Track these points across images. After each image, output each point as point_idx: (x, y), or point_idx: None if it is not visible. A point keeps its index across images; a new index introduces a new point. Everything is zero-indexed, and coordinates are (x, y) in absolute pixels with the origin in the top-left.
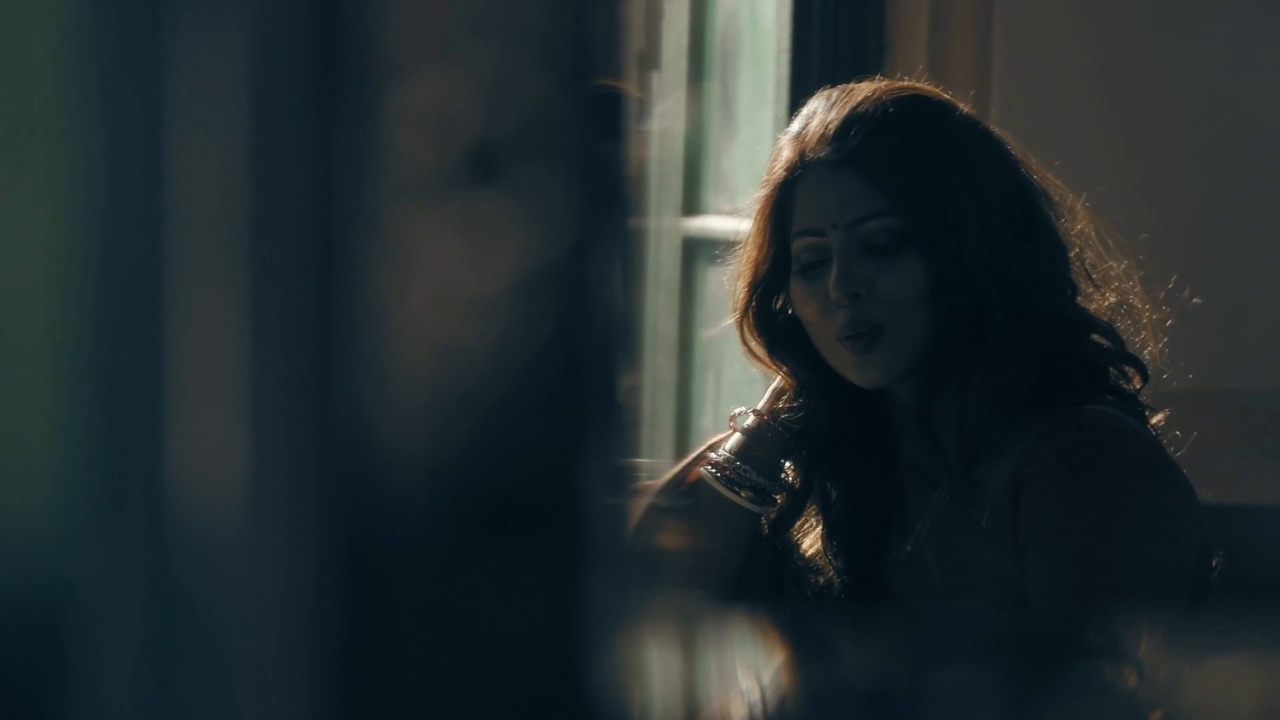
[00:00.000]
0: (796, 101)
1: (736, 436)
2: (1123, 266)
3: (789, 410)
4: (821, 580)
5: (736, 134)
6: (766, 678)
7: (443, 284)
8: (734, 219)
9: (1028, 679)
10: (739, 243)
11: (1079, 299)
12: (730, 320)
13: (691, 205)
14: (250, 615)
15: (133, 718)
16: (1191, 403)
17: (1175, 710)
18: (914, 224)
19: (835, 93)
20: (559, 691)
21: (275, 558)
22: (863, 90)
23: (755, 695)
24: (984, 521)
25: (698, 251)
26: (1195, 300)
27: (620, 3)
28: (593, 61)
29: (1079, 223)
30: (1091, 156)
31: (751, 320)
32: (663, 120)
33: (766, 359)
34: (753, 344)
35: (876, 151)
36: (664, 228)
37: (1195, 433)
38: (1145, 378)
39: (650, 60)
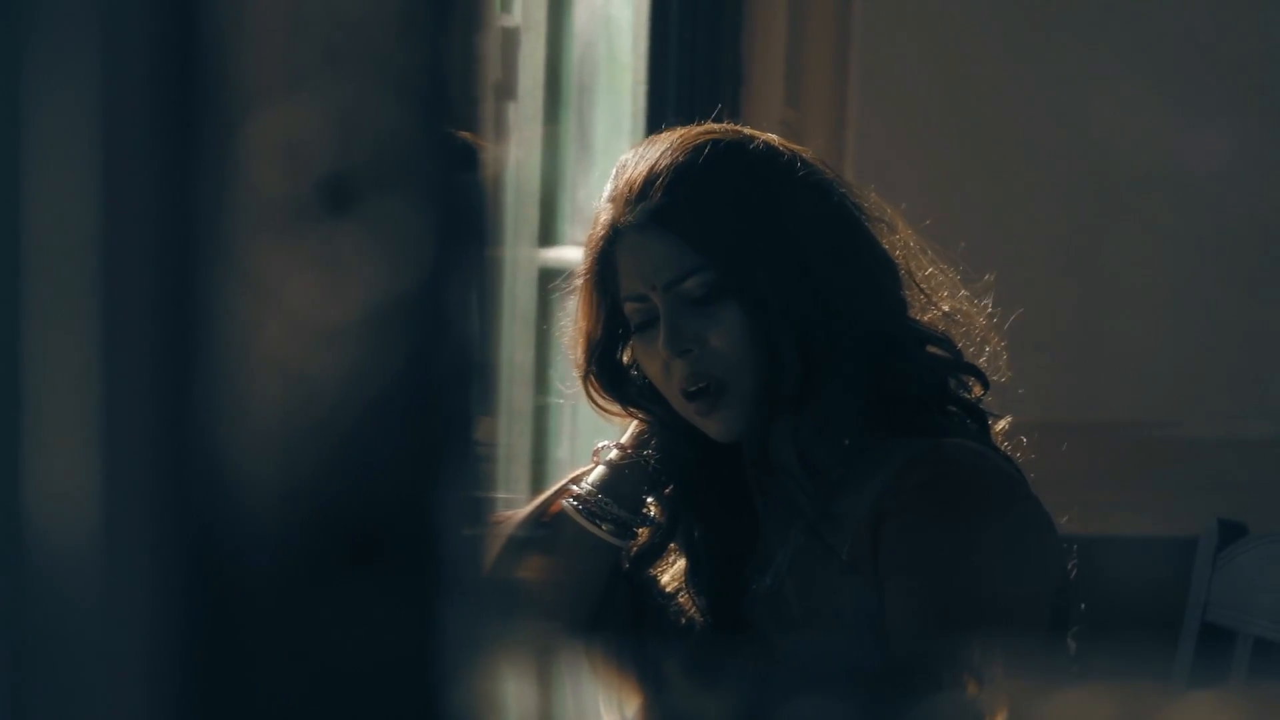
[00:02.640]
0: (653, 131)
1: (599, 469)
2: (948, 276)
3: (649, 448)
4: (682, 617)
5: (593, 165)
6: (625, 712)
7: (297, 314)
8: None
9: (882, 710)
10: (571, 312)
11: (912, 312)
12: (576, 383)
13: (548, 236)
14: (99, 643)
15: None
16: (1043, 434)
17: None
18: (727, 275)
19: (640, 147)
20: None
21: (126, 586)
22: (662, 142)
23: None
24: (844, 554)
25: (554, 282)
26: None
27: (476, 33)
28: (448, 92)
29: (901, 234)
30: (946, 187)
31: (596, 382)
32: (519, 151)
33: (621, 412)
34: (602, 402)
35: (681, 207)
36: (520, 258)
37: (1050, 463)
38: (985, 385)
39: (506, 91)
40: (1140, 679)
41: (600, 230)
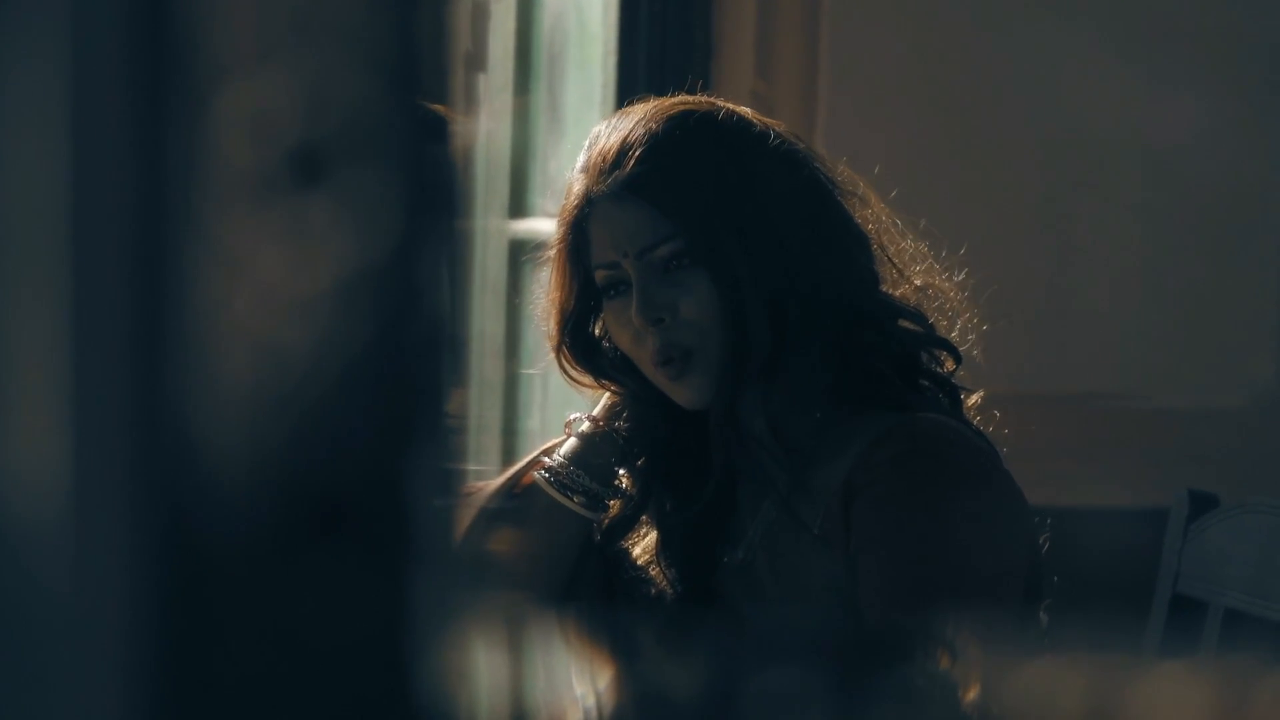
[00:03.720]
0: (623, 105)
1: (571, 441)
2: (920, 249)
3: (621, 420)
4: (653, 589)
5: (563, 136)
6: (597, 683)
7: (267, 286)
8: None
9: (853, 684)
10: (543, 283)
11: (884, 285)
12: (548, 355)
13: (518, 207)
14: (68, 614)
15: None
16: (1015, 406)
17: (1001, 709)
18: (698, 243)
19: (613, 118)
20: (384, 696)
21: (95, 559)
22: (636, 114)
23: (588, 701)
24: (816, 528)
25: (524, 253)
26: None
27: (446, 4)
28: (418, 63)
29: (873, 208)
30: (917, 159)
31: (569, 354)
32: (489, 122)
33: (594, 384)
34: (575, 374)
35: (653, 176)
36: (490, 230)
37: (1020, 435)
38: (958, 359)
39: (477, 62)
40: (1111, 650)
41: (573, 200)
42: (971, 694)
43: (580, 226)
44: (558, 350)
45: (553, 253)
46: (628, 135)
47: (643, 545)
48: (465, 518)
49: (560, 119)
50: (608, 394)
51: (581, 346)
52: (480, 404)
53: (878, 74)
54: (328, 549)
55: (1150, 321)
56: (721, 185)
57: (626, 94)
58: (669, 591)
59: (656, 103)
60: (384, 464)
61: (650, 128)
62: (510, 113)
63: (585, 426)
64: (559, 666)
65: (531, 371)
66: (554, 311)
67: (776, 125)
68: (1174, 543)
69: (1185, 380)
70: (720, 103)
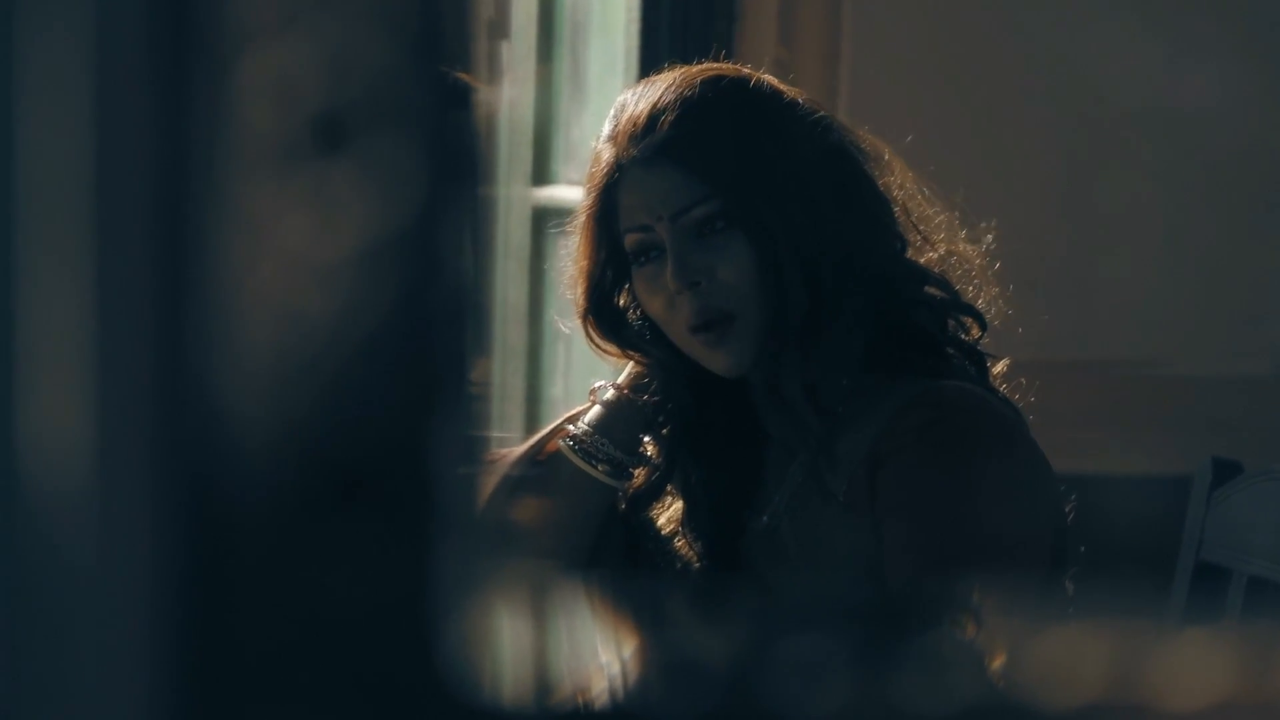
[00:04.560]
0: (646, 71)
1: (595, 409)
2: (945, 216)
3: (647, 390)
4: (682, 537)
5: (586, 104)
6: (621, 651)
7: (290, 252)
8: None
9: (878, 650)
10: (571, 251)
11: (910, 252)
12: (575, 322)
13: (541, 175)
14: (95, 581)
15: None
16: (1039, 373)
17: (1025, 675)
18: (735, 205)
19: (640, 86)
20: (408, 662)
21: (119, 528)
22: (663, 81)
23: (612, 668)
24: (841, 495)
25: (547, 221)
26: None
27: None
28: (441, 31)
29: (898, 175)
30: (938, 126)
31: (595, 322)
32: (512, 90)
33: (619, 353)
34: (601, 343)
35: (687, 140)
36: (514, 197)
37: (1044, 402)
38: (983, 326)
39: (499, 29)
40: (1134, 618)
41: (602, 167)
42: (997, 660)
43: (609, 192)
44: (584, 318)
45: (580, 220)
46: (658, 101)
47: (668, 515)
48: (489, 485)
49: (583, 86)
50: (633, 362)
51: (609, 315)
52: (504, 371)
53: (900, 41)
54: (351, 516)
55: (1173, 289)
56: (755, 148)
57: (649, 61)
58: (694, 559)
59: (684, 70)
60: (407, 431)
61: (681, 92)
62: (533, 80)
63: (610, 394)
64: (583, 634)
65: (558, 331)
66: (581, 280)
67: (799, 95)
68: (1197, 510)
69: (1209, 347)
70: (747, 70)
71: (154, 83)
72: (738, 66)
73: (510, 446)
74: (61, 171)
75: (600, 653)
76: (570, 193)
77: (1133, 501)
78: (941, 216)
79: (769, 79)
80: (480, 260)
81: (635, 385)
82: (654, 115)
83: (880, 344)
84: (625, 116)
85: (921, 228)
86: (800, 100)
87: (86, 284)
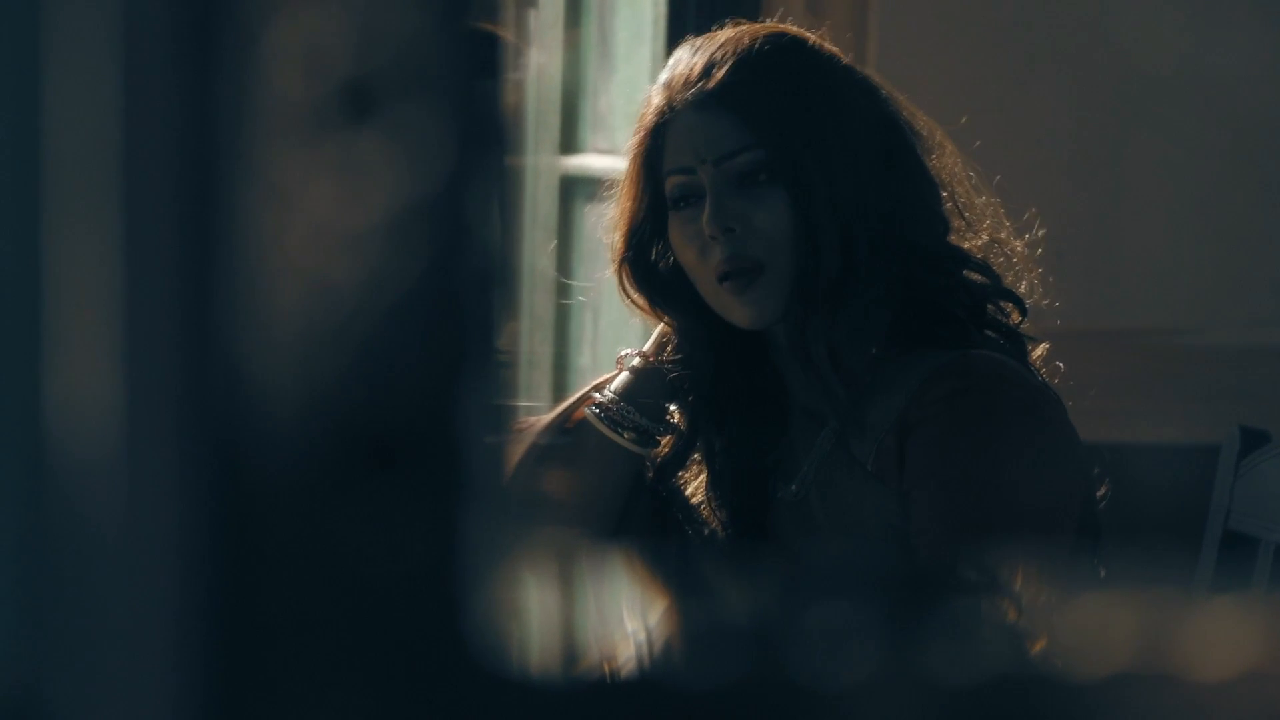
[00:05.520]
0: (674, 40)
1: (622, 377)
2: (991, 204)
3: (674, 355)
4: (709, 504)
5: (614, 72)
6: (649, 618)
7: (319, 220)
8: (611, 157)
9: (909, 618)
10: (613, 193)
11: (953, 236)
12: (609, 270)
13: (569, 143)
14: (122, 545)
15: (4, 641)
16: (1068, 342)
17: (1053, 644)
18: (780, 158)
19: (700, 39)
20: (435, 630)
21: (149, 492)
22: (725, 34)
23: (639, 636)
24: (869, 464)
25: (575, 190)
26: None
27: None
28: None
29: (949, 159)
30: (966, 95)
31: (629, 271)
32: (540, 58)
33: (648, 309)
34: (632, 293)
35: (740, 88)
36: (541, 166)
37: (1071, 371)
38: (1024, 312)
39: None
40: (1162, 586)
41: (653, 109)
42: (1024, 628)
43: (658, 133)
44: (620, 264)
45: (626, 163)
46: (714, 52)
47: (697, 481)
48: (516, 454)
49: (611, 54)
50: (659, 328)
51: (643, 264)
52: (531, 340)
53: (928, 9)
54: (378, 485)
55: (1203, 257)
56: (808, 105)
57: (677, 29)
58: (722, 527)
59: (750, 25)
60: (435, 400)
61: (739, 44)
62: (561, 48)
63: (636, 361)
64: (610, 603)
65: (586, 300)
66: (623, 222)
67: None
68: (1225, 479)
69: (1237, 316)
70: (809, 33)
71: (181, 51)
72: (800, 30)
73: (538, 415)
74: (89, 141)
75: (627, 621)
76: (598, 161)
77: (1160, 470)
78: (988, 204)
79: (830, 46)
80: (507, 228)
81: (661, 352)
82: (710, 64)
83: (913, 318)
84: (680, 66)
85: (967, 214)
86: (857, 69)
87: (114, 254)
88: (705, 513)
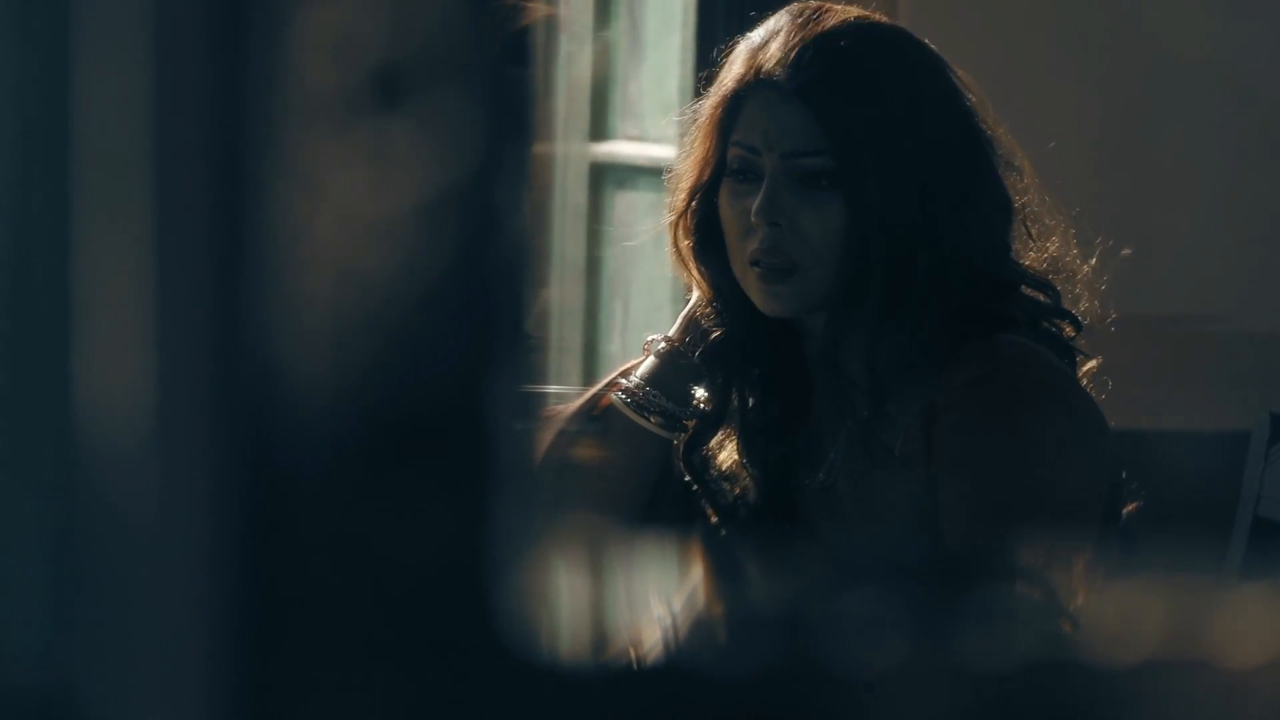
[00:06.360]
0: (704, 27)
1: (648, 362)
2: (1060, 227)
3: (706, 318)
4: (737, 490)
5: (644, 60)
6: (678, 604)
7: (348, 208)
8: (641, 144)
9: (936, 605)
10: (683, 148)
11: (1017, 247)
12: (666, 220)
13: (599, 131)
14: (153, 535)
15: (38, 631)
16: (1100, 328)
17: (1083, 630)
18: (847, 170)
19: (806, 13)
20: (465, 617)
21: (179, 478)
22: (832, 19)
23: (667, 621)
24: (897, 450)
25: (605, 177)
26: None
27: None
28: None
29: (1025, 179)
30: (997, 78)
31: (688, 225)
32: (570, 45)
33: (691, 260)
34: (684, 250)
35: (827, 90)
36: (571, 153)
37: (1103, 358)
38: (1078, 328)
39: None
40: (1192, 573)
41: (739, 72)
42: (1054, 614)
43: (737, 99)
44: (678, 218)
45: (702, 117)
46: (814, 34)
47: (728, 450)
48: (545, 441)
49: (641, 42)
50: (683, 314)
51: (700, 223)
52: (561, 326)
53: None
54: (409, 472)
55: (1232, 244)
56: (889, 124)
57: (708, 16)
58: (752, 494)
59: (859, 16)
60: (464, 388)
61: (840, 38)
62: (591, 35)
63: (662, 346)
64: (639, 589)
65: (616, 287)
66: (687, 178)
67: (961, 76)
68: (1255, 466)
69: (1265, 302)
70: (909, 32)
71: (212, 38)
72: (902, 28)
73: (566, 402)
74: (119, 128)
75: (656, 607)
76: (628, 148)
77: (1190, 457)
78: (1058, 228)
79: (929, 45)
80: (537, 216)
81: (688, 337)
82: (805, 46)
83: (957, 331)
84: (779, 36)
85: (1034, 230)
86: (955, 77)
87: (145, 243)
88: (737, 473)
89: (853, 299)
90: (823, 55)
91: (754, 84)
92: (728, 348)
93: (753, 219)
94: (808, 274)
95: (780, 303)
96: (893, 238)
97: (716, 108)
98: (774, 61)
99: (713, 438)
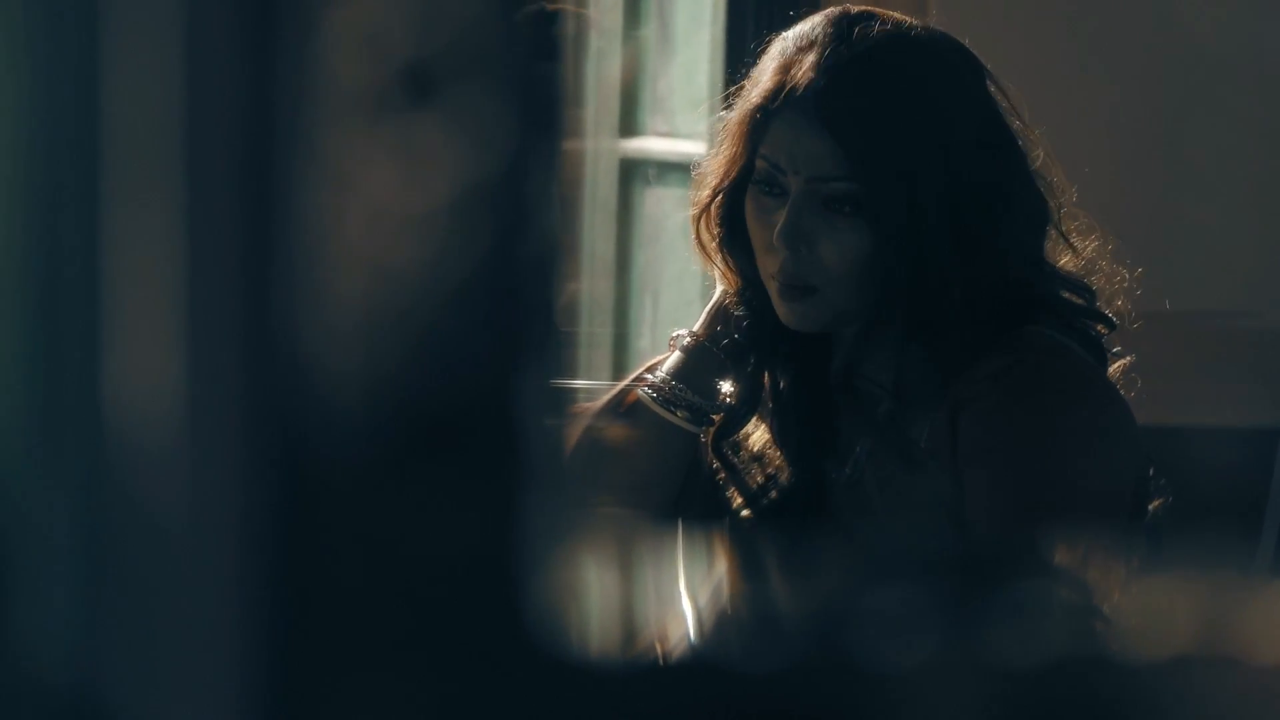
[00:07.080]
0: (734, 23)
1: (675, 357)
2: (1095, 244)
3: (736, 306)
4: (768, 471)
5: (674, 56)
6: (705, 598)
7: (378, 204)
8: (671, 140)
9: (963, 599)
10: (711, 151)
11: (1050, 247)
12: (691, 212)
13: (628, 127)
14: (183, 534)
15: (67, 630)
16: (1130, 324)
17: (1114, 626)
18: (871, 198)
19: (843, 24)
20: (495, 613)
21: (210, 476)
22: (873, 35)
23: (695, 615)
24: (923, 443)
25: (635, 173)
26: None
27: None
28: None
29: (1058, 197)
30: (1028, 73)
31: (713, 214)
32: (600, 41)
33: (717, 250)
34: (706, 238)
35: (855, 121)
36: (601, 149)
37: (1133, 355)
38: (1111, 328)
39: None
40: (1221, 569)
41: (761, 91)
42: (1084, 609)
43: (767, 114)
44: (703, 212)
45: (733, 120)
46: (847, 57)
47: (759, 432)
48: (573, 436)
49: (671, 38)
50: (708, 309)
51: (727, 215)
52: (591, 322)
53: None
54: (439, 468)
55: (1262, 239)
56: (918, 154)
57: (737, 12)
58: (779, 499)
59: (898, 29)
60: (494, 383)
61: (873, 62)
62: (620, 31)
63: (688, 341)
64: (667, 583)
65: (645, 283)
66: (715, 175)
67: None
68: None
69: None
70: (948, 43)
71: (242, 34)
72: (942, 37)
73: (594, 398)
74: (149, 124)
75: (684, 603)
76: (658, 144)
77: (1221, 453)
78: (1091, 244)
79: (968, 50)
80: (567, 211)
81: (713, 332)
82: (831, 66)
83: (985, 335)
84: (814, 50)
85: (1070, 227)
86: (991, 84)
87: (175, 238)
88: (761, 482)
89: (880, 317)
90: (853, 81)
91: (786, 102)
92: (760, 331)
93: (774, 242)
94: (826, 296)
95: (799, 318)
96: (918, 263)
97: (747, 119)
98: (805, 81)
99: (744, 425)
